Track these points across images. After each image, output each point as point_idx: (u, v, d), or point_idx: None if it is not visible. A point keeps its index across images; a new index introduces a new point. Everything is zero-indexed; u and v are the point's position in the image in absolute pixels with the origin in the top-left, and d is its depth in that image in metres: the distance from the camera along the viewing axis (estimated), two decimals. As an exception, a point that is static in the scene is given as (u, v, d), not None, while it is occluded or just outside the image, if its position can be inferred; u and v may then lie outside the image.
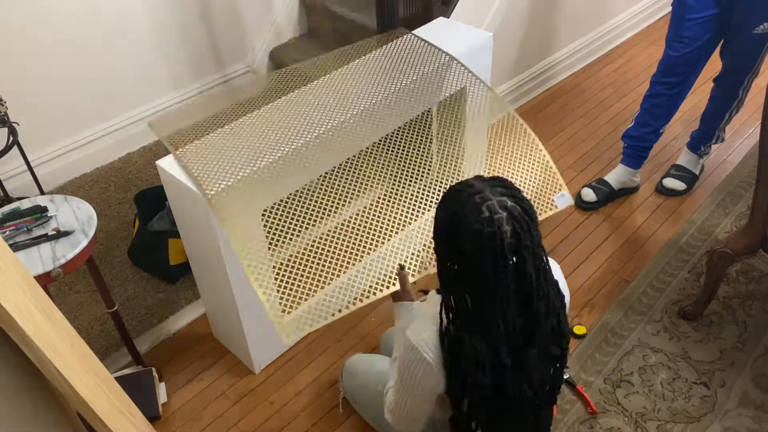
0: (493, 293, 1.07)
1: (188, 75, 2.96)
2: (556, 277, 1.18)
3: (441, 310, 1.15)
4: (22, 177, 2.50)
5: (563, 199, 1.64)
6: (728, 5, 2.01)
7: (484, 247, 1.03)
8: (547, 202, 1.64)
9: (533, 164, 1.69)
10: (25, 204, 1.60)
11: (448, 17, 2.41)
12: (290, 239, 1.51)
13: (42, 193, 2.31)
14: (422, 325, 1.18)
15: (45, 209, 1.57)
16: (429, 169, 1.76)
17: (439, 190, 1.73)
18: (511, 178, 1.69)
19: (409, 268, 1.57)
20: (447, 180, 1.78)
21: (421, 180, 1.70)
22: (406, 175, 1.67)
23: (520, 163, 1.70)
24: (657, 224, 2.36)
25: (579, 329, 1.97)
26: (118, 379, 1.72)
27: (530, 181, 1.69)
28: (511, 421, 1.21)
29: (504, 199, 1.04)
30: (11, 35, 2.35)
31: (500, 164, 1.73)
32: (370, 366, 1.68)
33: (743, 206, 2.40)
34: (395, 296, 1.51)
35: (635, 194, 2.49)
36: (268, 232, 1.49)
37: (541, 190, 1.66)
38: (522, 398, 1.16)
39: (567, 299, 1.22)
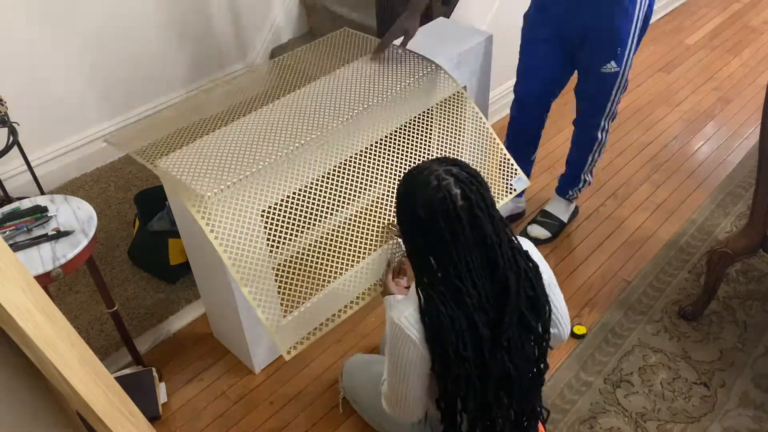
0: (457, 260, 1.12)
1: (188, 75, 2.96)
2: (530, 252, 1.23)
3: (417, 289, 1.19)
4: (22, 177, 2.50)
5: (520, 182, 1.82)
6: (577, 42, 1.89)
7: (437, 211, 1.10)
8: (507, 187, 1.82)
9: (490, 155, 1.85)
10: (25, 204, 1.60)
11: (448, 17, 2.41)
12: (289, 241, 1.51)
13: (42, 193, 2.31)
14: (404, 304, 1.22)
15: (45, 209, 1.57)
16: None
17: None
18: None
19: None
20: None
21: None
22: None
23: (477, 156, 1.84)
24: (657, 224, 2.36)
25: (579, 329, 1.96)
26: (118, 379, 1.72)
27: (488, 170, 1.85)
28: (497, 400, 1.21)
29: (449, 168, 1.13)
30: (11, 35, 2.36)
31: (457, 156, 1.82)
32: (369, 366, 1.69)
33: (743, 206, 2.40)
34: (384, 291, 1.56)
35: (636, 194, 2.49)
36: (268, 235, 1.49)
37: (499, 178, 1.82)
38: (506, 375, 1.18)
39: (547, 274, 1.26)
